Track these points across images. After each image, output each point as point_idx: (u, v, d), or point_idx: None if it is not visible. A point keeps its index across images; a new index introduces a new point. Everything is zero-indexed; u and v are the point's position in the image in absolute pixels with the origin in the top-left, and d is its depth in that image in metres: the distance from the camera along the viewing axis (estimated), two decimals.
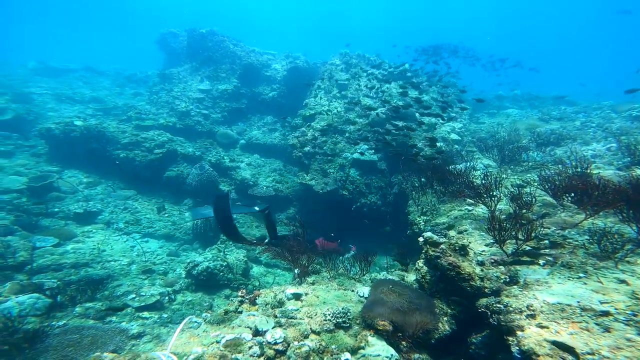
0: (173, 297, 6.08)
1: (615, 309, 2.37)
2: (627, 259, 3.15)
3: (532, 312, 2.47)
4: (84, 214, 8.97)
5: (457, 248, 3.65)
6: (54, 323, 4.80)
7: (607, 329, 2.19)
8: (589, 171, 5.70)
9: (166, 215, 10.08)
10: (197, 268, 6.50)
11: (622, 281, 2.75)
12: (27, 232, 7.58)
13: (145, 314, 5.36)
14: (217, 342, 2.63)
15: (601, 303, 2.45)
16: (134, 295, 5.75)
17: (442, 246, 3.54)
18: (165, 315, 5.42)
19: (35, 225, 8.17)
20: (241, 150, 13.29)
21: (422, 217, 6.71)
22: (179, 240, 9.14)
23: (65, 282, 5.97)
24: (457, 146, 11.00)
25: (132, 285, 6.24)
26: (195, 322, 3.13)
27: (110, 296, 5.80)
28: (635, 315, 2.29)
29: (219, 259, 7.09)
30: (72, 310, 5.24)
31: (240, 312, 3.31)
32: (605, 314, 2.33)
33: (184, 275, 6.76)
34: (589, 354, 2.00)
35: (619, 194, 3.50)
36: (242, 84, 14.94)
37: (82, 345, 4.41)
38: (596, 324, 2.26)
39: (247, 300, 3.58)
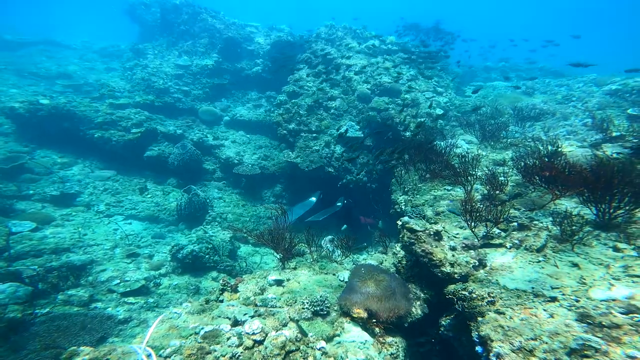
0: (159, 281, 6.17)
1: (563, 294, 2.58)
2: (583, 241, 3.37)
3: (492, 299, 2.67)
4: (60, 196, 8.71)
5: (431, 233, 3.79)
6: (37, 311, 4.84)
7: (552, 315, 2.40)
8: (560, 150, 5.87)
9: (149, 195, 9.92)
10: (182, 252, 6.56)
11: (575, 264, 2.97)
12: (2, 217, 7.35)
13: (131, 299, 5.46)
14: (196, 333, 2.74)
15: (552, 288, 2.66)
16: (118, 281, 5.80)
17: (417, 232, 3.67)
18: (152, 300, 5.53)
19: (10, 209, 7.91)
20: (225, 127, 12.92)
21: (403, 196, 6.84)
22: (164, 222, 9.09)
23: (46, 268, 5.92)
24: (441, 121, 10.99)
25: (117, 270, 6.27)
26: (175, 312, 3.23)
27: (94, 282, 5.83)
28: (577, 301, 2.51)
29: (204, 241, 7.15)
30: (55, 297, 5.27)
31: (222, 301, 3.42)
32: (553, 299, 2.54)
33: (169, 259, 6.82)
34: (532, 339, 2.21)
35: (580, 177, 3.65)
36: (224, 58, 14.18)
37: (70, 331, 4.50)
38: (544, 310, 2.47)
39: (229, 288, 3.68)
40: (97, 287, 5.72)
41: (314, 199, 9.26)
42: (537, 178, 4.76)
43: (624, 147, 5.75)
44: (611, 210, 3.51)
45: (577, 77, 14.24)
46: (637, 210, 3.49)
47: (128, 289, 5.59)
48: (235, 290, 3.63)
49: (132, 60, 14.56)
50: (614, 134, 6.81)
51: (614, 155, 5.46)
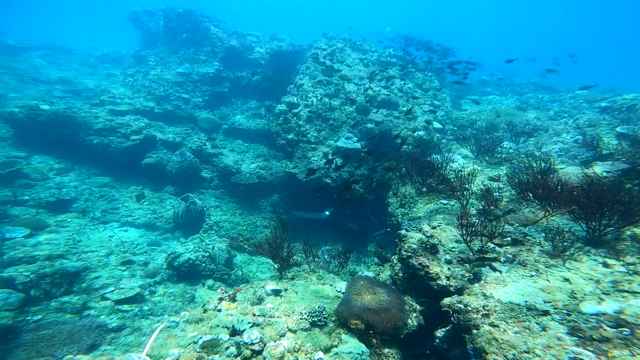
0: (154, 288, 6.12)
1: (555, 308, 2.65)
2: (574, 257, 3.47)
3: (487, 312, 2.73)
4: (56, 202, 8.66)
5: (428, 247, 3.87)
6: (28, 318, 4.78)
7: (544, 328, 2.47)
8: (553, 167, 6.05)
9: (146, 203, 9.90)
10: (178, 260, 6.53)
11: (566, 279, 3.06)
12: None
13: (125, 306, 5.40)
14: (194, 342, 2.74)
15: (544, 302, 2.74)
16: (112, 288, 5.75)
17: (414, 246, 3.74)
18: (146, 308, 5.48)
19: (4, 215, 7.84)
20: (224, 135, 13.02)
21: (400, 209, 6.93)
22: (160, 229, 9.05)
23: (39, 275, 5.85)
24: (438, 135, 11.19)
25: (111, 277, 6.21)
26: (173, 321, 3.23)
27: (88, 289, 5.77)
28: (569, 315, 2.58)
29: (200, 249, 7.13)
30: (48, 304, 5.20)
31: (219, 311, 3.43)
32: (545, 313, 2.62)
33: (165, 267, 6.78)
34: (525, 352, 2.27)
35: (571, 195, 3.78)
36: (225, 67, 14.43)
37: (56, 340, 4.42)
38: (537, 323, 2.54)
39: (226, 298, 3.69)
40: (90, 294, 5.66)
41: (327, 213, 9.46)
42: (531, 195, 4.90)
43: (613, 166, 5.93)
44: (601, 228, 3.63)
45: (568, 93, 14.65)
46: (625, 228, 3.62)
47: (122, 297, 5.53)
48: (233, 299, 3.64)
49: (134, 67, 14.73)
50: (604, 152, 7.02)
51: (604, 175, 5.64)
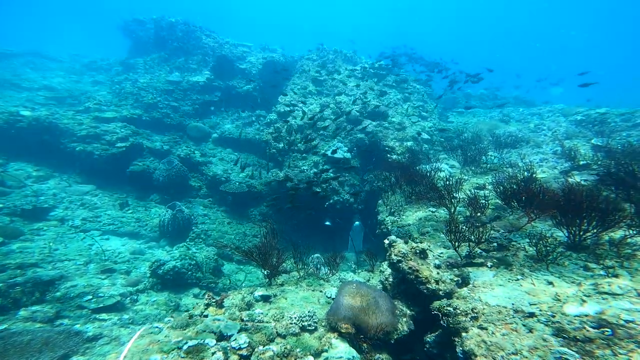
0: (136, 297, 5.88)
1: (540, 310, 2.71)
2: (557, 261, 3.57)
3: (476, 315, 2.76)
4: (33, 210, 8.31)
5: (417, 251, 3.90)
6: None
7: (530, 330, 2.52)
8: (535, 176, 6.28)
9: (130, 211, 9.61)
10: (163, 268, 6.32)
11: (550, 283, 3.14)
12: None
13: (104, 315, 5.16)
14: (179, 347, 2.63)
15: (530, 305, 2.79)
16: (90, 297, 5.49)
17: (404, 251, 3.77)
18: (126, 317, 5.24)
19: None
20: (213, 144, 12.92)
21: (390, 217, 6.99)
22: (145, 238, 8.77)
23: (8, 284, 5.53)
24: (426, 145, 11.46)
25: (89, 285, 5.93)
26: (157, 327, 3.09)
27: (62, 298, 5.48)
28: (553, 316, 2.64)
29: (187, 257, 6.93)
30: (16, 313, 4.92)
31: (206, 316, 3.32)
32: (532, 315, 2.67)
33: (148, 275, 6.55)
34: (513, 354, 2.30)
35: (553, 201, 3.93)
36: (216, 76, 14.48)
37: (29, 348, 4.16)
38: (523, 325, 2.59)
39: (213, 304, 3.58)
40: (65, 303, 5.38)
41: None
42: (515, 202, 5.05)
43: (590, 174, 6.21)
44: (581, 233, 3.77)
45: (546, 107, 15.35)
46: (603, 233, 3.77)
47: (100, 305, 5.28)
48: (220, 305, 3.54)
49: (122, 75, 14.60)
50: (581, 162, 7.35)
51: (582, 182, 5.89)
